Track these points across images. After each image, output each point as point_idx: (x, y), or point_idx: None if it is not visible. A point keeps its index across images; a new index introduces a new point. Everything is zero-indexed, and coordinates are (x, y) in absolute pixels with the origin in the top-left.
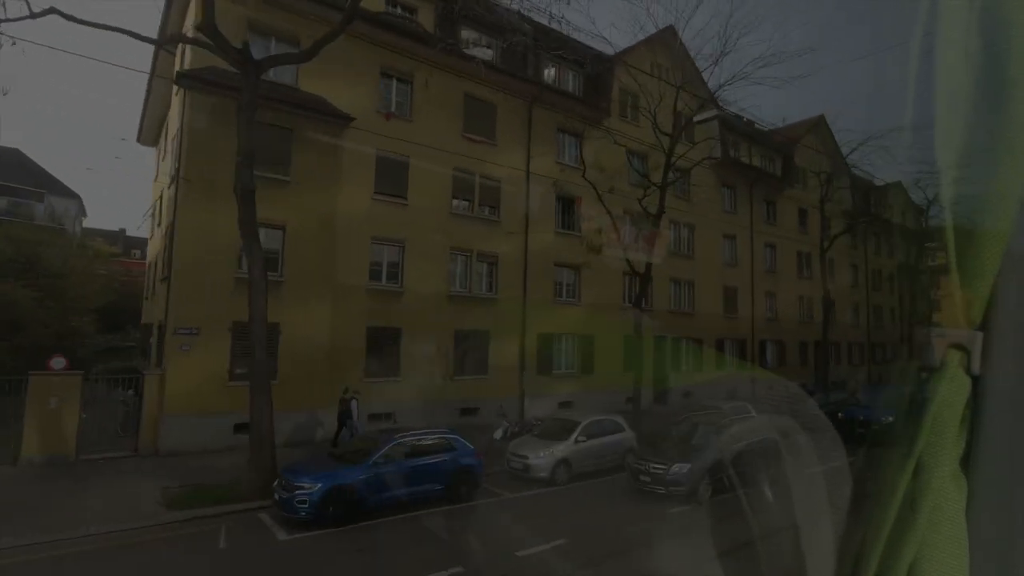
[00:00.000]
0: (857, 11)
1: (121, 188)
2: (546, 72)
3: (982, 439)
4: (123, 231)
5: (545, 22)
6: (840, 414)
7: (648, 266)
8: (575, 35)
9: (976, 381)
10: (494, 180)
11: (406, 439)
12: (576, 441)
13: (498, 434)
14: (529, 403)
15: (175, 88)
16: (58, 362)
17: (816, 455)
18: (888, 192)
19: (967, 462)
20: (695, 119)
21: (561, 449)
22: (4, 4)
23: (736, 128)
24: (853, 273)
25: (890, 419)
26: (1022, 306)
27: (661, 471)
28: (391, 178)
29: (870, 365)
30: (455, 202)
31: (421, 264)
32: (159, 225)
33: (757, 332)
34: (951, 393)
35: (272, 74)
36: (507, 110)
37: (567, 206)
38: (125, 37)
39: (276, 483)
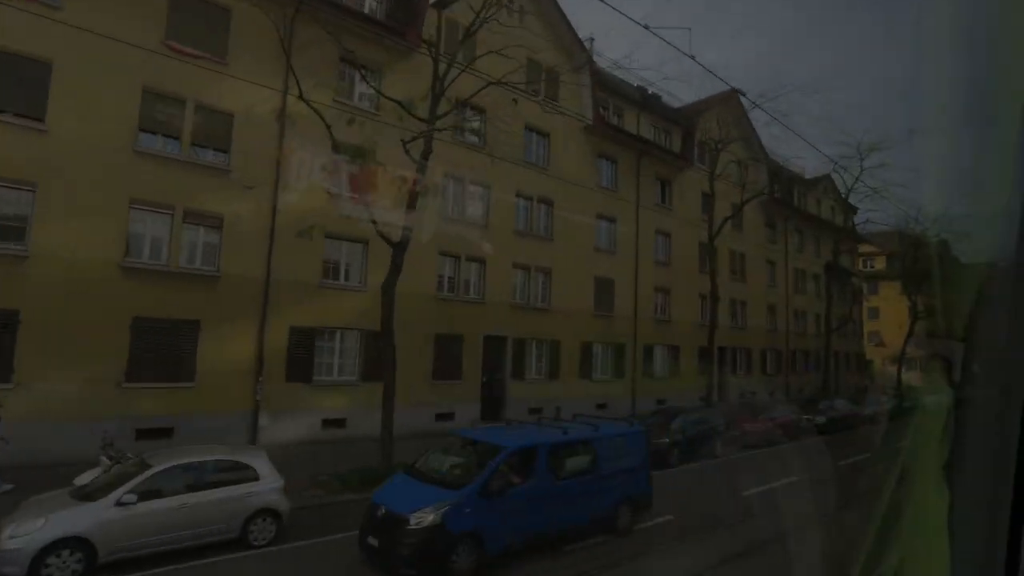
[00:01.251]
0: (845, 16)
1: None
2: None
3: (964, 447)
4: None
5: None
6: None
7: (406, 233)
8: None
9: (958, 390)
10: (222, 113)
11: None
12: (121, 503)
13: (84, 478)
14: (271, 422)
15: None
16: None
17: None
18: (819, 186)
19: (950, 469)
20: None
21: (68, 520)
22: None
23: (622, 91)
24: (770, 270)
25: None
26: (1002, 319)
27: None
28: (12, 87)
29: (788, 375)
30: (146, 136)
31: (70, 220)
32: None
33: (642, 334)
34: (934, 402)
35: None
36: (251, 20)
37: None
38: None
39: None
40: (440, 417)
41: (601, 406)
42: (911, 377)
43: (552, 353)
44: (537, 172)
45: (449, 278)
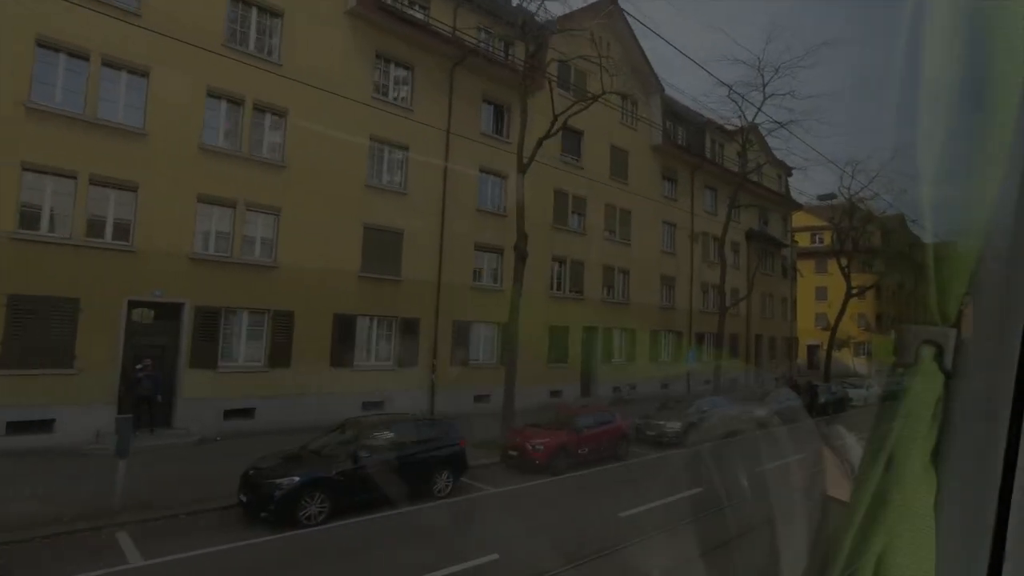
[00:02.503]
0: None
1: None
2: None
3: (953, 434)
4: None
5: None
6: None
7: None
8: None
9: (949, 377)
10: None
11: None
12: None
13: None
14: None
15: None
16: None
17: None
18: (741, 136)
19: (938, 457)
20: None
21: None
22: None
23: None
24: (667, 233)
25: None
26: (996, 304)
27: None
28: None
29: (701, 361)
30: None
31: None
32: None
33: (451, 308)
34: (924, 389)
35: None
36: None
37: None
38: None
39: None
40: (18, 427)
41: (373, 404)
42: (855, 365)
43: (279, 330)
44: (258, 63)
45: (52, 210)
